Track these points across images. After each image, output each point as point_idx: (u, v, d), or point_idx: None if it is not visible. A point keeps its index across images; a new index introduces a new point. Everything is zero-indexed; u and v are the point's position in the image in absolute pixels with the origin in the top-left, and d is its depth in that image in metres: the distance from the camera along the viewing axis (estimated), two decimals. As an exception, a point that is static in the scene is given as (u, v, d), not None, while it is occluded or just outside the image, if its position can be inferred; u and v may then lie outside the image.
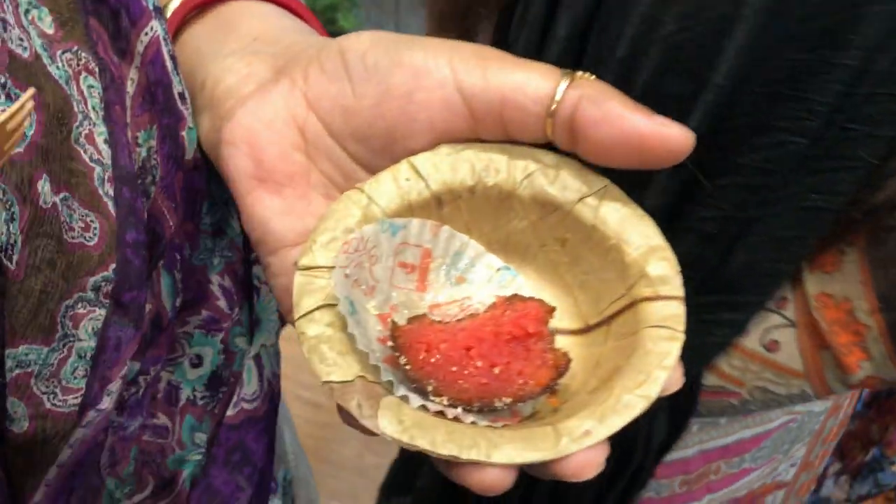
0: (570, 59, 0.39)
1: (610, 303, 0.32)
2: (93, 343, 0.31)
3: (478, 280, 0.34)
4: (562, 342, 0.32)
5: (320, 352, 0.29)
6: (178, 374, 0.38)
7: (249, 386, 0.39)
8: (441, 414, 0.29)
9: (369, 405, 0.28)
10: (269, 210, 0.32)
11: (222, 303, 0.39)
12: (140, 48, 0.34)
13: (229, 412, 0.38)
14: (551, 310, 0.31)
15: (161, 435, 0.37)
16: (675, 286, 0.30)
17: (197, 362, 0.39)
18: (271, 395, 0.40)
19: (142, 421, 0.37)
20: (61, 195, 0.29)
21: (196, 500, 0.37)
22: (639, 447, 0.49)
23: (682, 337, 0.29)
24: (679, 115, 0.32)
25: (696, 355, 0.42)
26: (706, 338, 0.42)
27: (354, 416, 0.28)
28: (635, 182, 0.33)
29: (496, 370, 0.30)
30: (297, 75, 0.33)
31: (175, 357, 0.38)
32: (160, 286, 0.36)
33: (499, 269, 0.34)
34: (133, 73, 0.34)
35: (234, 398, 0.38)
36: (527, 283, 0.34)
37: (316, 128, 0.32)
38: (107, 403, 0.31)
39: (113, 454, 0.36)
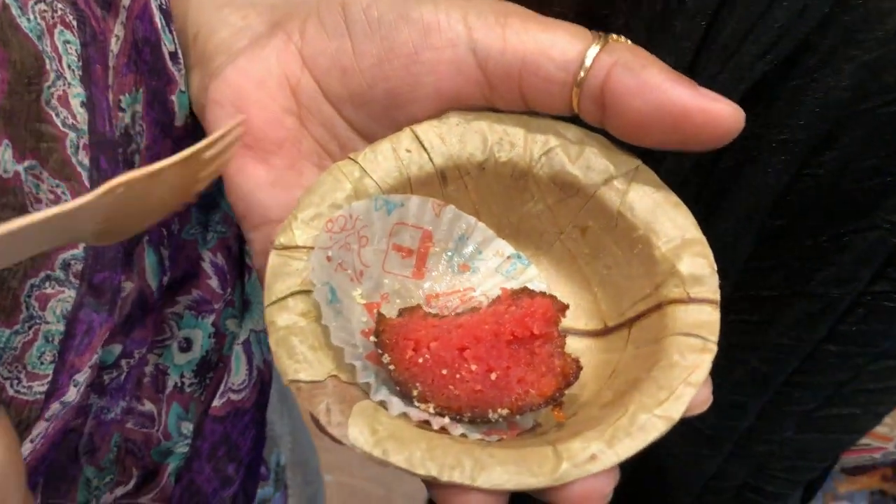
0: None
1: (633, 303, 0.28)
2: (61, 326, 0.28)
3: (484, 269, 0.30)
4: (575, 345, 0.29)
5: (289, 345, 0.25)
6: (165, 358, 0.36)
7: (237, 375, 0.36)
8: (426, 424, 0.25)
9: (340, 410, 0.24)
10: (253, 180, 0.29)
11: (214, 282, 0.36)
12: (126, 1, 0.31)
13: (215, 402, 0.35)
14: (563, 308, 0.27)
15: (146, 423, 0.35)
16: (711, 288, 0.26)
17: (186, 346, 0.36)
18: (261, 385, 0.37)
19: (125, 406, 0.34)
20: (26, 163, 0.26)
21: (179, 495, 0.35)
22: None
23: (714, 349, 0.25)
24: (880, 193, 0.28)
25: (856, 425, 0.39)
26: (875, 408, 0.38)
27: (321, 423, 0.24)
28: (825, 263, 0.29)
29: (493, 376, 0.26)
30: (294, 29, 0.29)
31: (163, 340, 0.36)
32: (144, 264, 0.33)
33: (509, 257, 0.30)
34: (118, 29, 0.31)
35: (221, 387, 0.36)
36: (539, 275, 0.30)
37: (310, 89, 0.29)
38: (73, 395, 0.28)
39: (91, 440, 0.33)
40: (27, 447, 0.27)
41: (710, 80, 0.32)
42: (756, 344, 0.38)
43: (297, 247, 0.27)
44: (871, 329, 0.35)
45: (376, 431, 0.24)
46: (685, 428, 0.42)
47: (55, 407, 0.27)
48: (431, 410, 0.26)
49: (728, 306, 0.38)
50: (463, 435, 0.25)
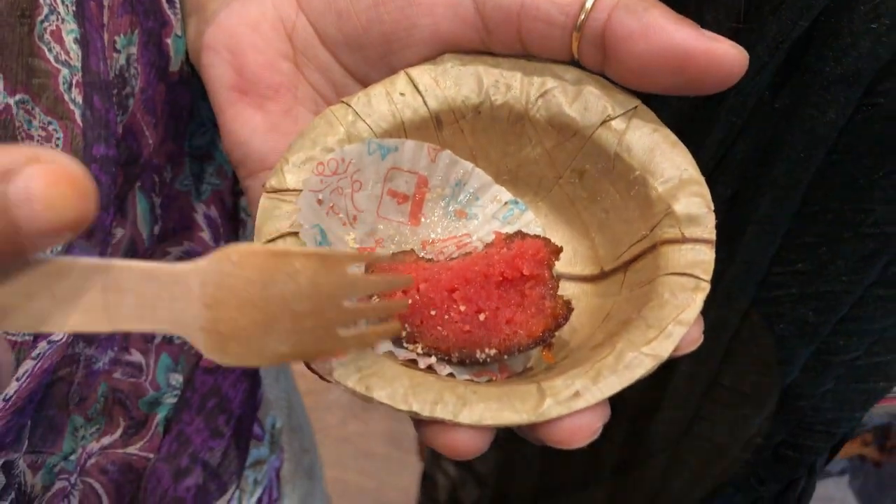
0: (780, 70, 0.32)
1: (629, 246, 0.28)
2: None
3: (481, 215, 0.29)
4: (572, 289, 0.28)
5: None
6: (155, 308, 0.35)
7: (230, 326, 0.36)
8: (413, 363, 0.25)
9: None
10: (249, 127, 0.29)
11: (206, 234, 0.36)
12: None
13: None
14: (557, 250, 0.27)
15: (134, 373, 0.34)
16: (707, 227, 0.26)
17: None
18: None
19: (112, 356, 0.34)
20: (18, 96, 0.26)
21: (168, 446, 0.34)
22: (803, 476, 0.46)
23: (707, 287, 0.25)
24: None
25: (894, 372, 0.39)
26: None
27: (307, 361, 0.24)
28: None
29: (481, 316, 0.26)
30: None
31: None
32: (136, 211, 0.32)
33: (506, 203, 0.29)
34: None
35: None
36: (535, 220, 0.29)
37: (306, 33, 0.29)
38: (61, 334, 0.28)
39: (80, 390, 0.33)
40: (13, 386, 0.27)
41: (772, 12, 0.30)
42: (804, 294, 0.37)
43: (287, 190, 0.26)
44: None
45: (361, 368, 0.24)
46: (728, 393, 0.42)
47: (42, 346, 0.27)
48: (420, 351, 0.26)
49: (776, 259, 0.37)
50: (451, 375, 0.25)
